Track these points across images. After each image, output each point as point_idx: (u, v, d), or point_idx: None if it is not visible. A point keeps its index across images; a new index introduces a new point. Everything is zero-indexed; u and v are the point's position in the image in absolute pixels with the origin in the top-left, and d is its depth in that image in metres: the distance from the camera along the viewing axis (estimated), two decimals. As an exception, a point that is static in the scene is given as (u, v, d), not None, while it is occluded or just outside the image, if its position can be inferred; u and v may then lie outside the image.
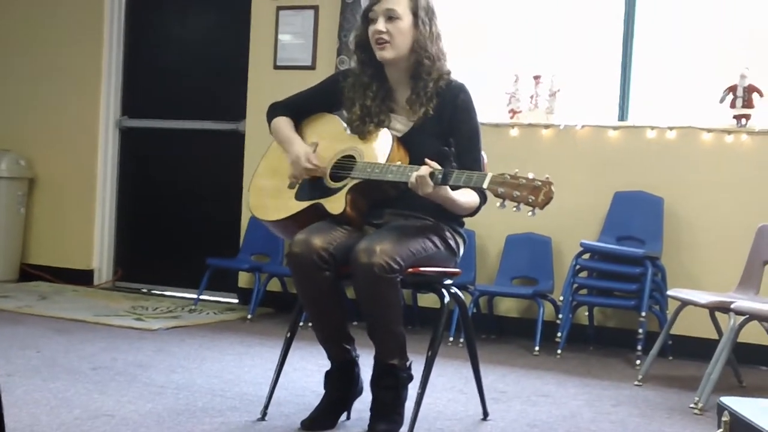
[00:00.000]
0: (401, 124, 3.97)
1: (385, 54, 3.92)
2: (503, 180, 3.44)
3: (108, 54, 8.24)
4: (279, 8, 7.41)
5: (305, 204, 3.92)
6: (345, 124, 4.04)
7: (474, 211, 3.86)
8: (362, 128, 3.95)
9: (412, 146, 3.88)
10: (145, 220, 8.32)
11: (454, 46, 6.54)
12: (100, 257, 8.31)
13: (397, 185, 3.73)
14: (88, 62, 8.22)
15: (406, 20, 3.91)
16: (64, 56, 8.29)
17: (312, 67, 7.22)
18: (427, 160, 3.60)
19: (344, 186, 3.84)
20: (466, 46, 6.90)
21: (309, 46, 7.29)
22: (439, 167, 3.57)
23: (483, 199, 3.81)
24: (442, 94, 3.92)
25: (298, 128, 4.16)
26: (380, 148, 3.85)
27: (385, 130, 3.91)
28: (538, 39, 6.89)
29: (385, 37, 3.90)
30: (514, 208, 3.43)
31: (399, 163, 3.79)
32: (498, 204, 3.46)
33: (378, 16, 3.92)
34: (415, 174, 3.58)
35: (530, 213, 3.41)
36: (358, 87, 4.01)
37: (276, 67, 7.43)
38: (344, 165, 3.91)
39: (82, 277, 8.17)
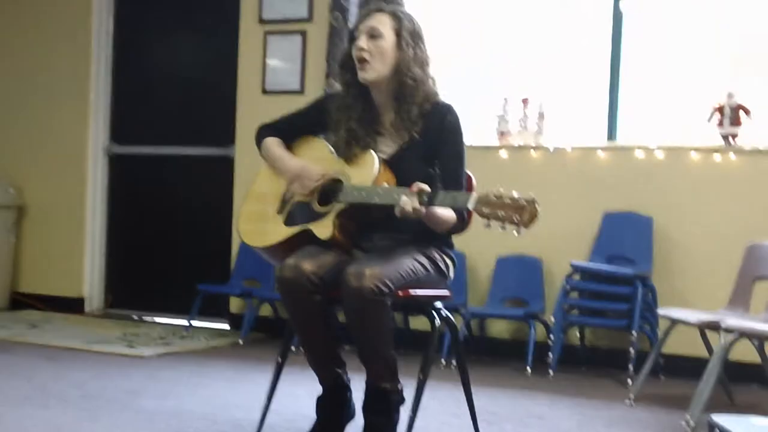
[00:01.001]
0: (387, 146, 3.96)
1: (367, 75, 3.91)
2: (488, 200, 3.44)
3: (96, 81, 8.25)
4: (267, 33, 7.43)
5: (294, 230, 3.92)
6: (331, 148, 4.04)
7: (456, 230, 3.86)
8: (348, 151, 3.95)
9: (399, 169, 3.87)
10: (135, 247, 8.31)
11: (443, 69, 6.60)
12: (91, 285, 8.29)
13: (384, 208, 3.73)
14: (76, 89, 8.22)
15: (388, 40, 3.90)
16: (51, 83, 8.29)
17: (301, 92, 7.24)
18: (413, 184, 3.59)
19: (332, 210, 3.85)
20: (455, 69, 6.93)
21: (297, 70, 7.31)
22: (426, 188, 3.57)
23: (460, 217, 3.81)
24: (428, 116, 3.92)
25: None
26: (367, 171, 3.85)
27: (372, 152, 3.91)
28: (526, 62, 6.91)
29: (365, 55, 3.88)
30: (500, 228, 3.43)
31: (386, 185, 3.79)
32: (484, 224, 3.45)
33: (361, 34, 3.93)
34: (402, 198, 3.57)
35: (515, 232, 3.41)
36: (344, 109, 4.00)
37: (264, 92, 7.45)
38: (332, 189, 3.92)
39: (73, 305, 8.16)
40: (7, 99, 8.52)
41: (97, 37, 8.26)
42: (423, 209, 3.56)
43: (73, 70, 8.24)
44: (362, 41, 3.90)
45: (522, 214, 3.39)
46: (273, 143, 4.16)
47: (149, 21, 8.32)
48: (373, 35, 3.90)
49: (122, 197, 8.36)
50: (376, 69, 3.90)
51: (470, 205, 3.47)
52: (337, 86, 4.17)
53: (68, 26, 8.27)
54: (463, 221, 3.86)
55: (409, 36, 3.93)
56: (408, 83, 3.90)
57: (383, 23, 3.92)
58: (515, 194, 3.42)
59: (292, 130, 4.18)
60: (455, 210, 3.73)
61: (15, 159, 8.43)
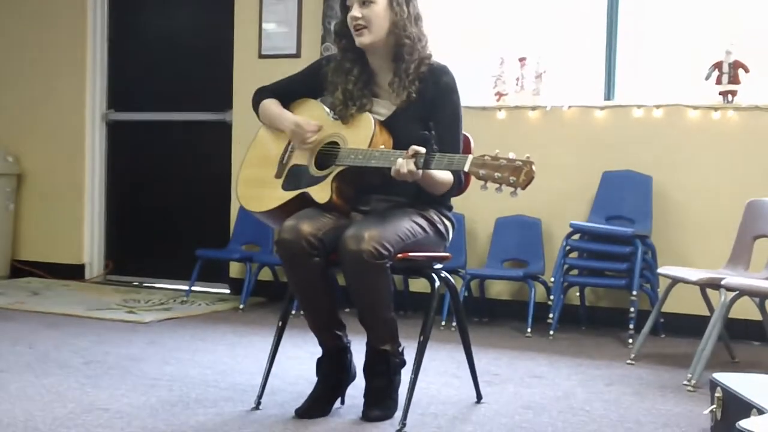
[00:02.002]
0: (384, 108, 3.96)
1: (363, 39, 3.91)
2: (484, 162, 3.44)
3: (92, 48, 8.22)
4: (263, -3, 7.41)
5: (292, 194, 3.92)
6: (328, 110, 4.03)
7: (453, 192, 3.87)
8: (345, 112, 3.95)
9: (396, 130, 3.87)
10: (134, 213, 8.31)
11: (438, 30, 6.58)
12: (91, 251, 8.30)
13: (381, 171, 3.72)
14: (72, 57, 8.20)
15: (380, 3, 3.89)
16: (48, 52, 8.27)
17: (297, 55, 7.21)
18: (412, 148, 3.59)
19: (329, 174, 3.84)
20: (450, 30, 6.89)
21: (293, 34, 7.28)
22: (421, 151, 3.57)
23: (458, 179, 3.81)
24: (424, 78, 3.91)
25: (283, 114, 4.17)
26: (363, 134, 3.85)
27: (368, 114, 3.91)
28: (523, 21, 6.87)
29: (362, 22, 3.89)
30: (496, 190, 3.43)
31: (383, 147, 3.78)
32: (480, 186, 3.45)
33: (353, 3, 3.92)
34: (398, 160, 3.57)
35: (512, 194, 3.40)
36: (340, 72, 4.00)
37: (261, 56, 7.42)
38: (329, 152, 3.91)
39: (73, 272, 8.17)
40: (3, 67, 8.49)
41: (93, 3, 8.22)
42: (419, 172, 3.57)
43: (69, 37, 8.21)
44: (355, 10, 3.89)
45: (518, 175, 3.38)
46: (270, 103, 4.17)
47: (144, -14, 8.29)
48: (365, 1, 3.89)
49: (121, 164, 8.35)
50: (373, 33, 3.90)
51: (466, 167, 3.47)
52: (334, 49, 4.16)
53: (63, -6, 8.24)
54: (460, 183, 3.87)
55: None
56: (405, 42, 3.90)
57: None
58: (511, 155, 3.42)
59: (288, 93, 4.19)
60: (452, 172, 3.72)
61: (13, 127, 8.41)
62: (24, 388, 4.35)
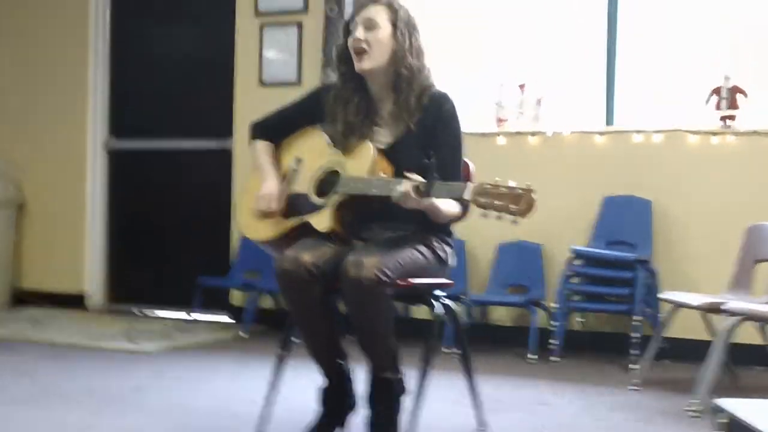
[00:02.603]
0: (384, 136, 3.96)
1: (363, 64, 3.91)
2: (484, 190, 3.43)
3: (93, 76, 8.24)
4: (263, 25, 7.42)
5: (293, 222, 3.93)
6: (328, 139, 4.03)
7: (455, 219, 3.87)
8: (345, 143, 3.95)
9: (396, 158, 3.87)
10: (135, 241, 8.30)
11: (439, 55, 6.59)
12: (92, 280, 8.29)
13: (382, 198, 3.72)
14: (74, 85, 8.22)
15: (385, 30, 3.91)
16: (49, 79, 8.29)
17: (298, 83, 7.23)
18: (407, 175, 3.59)
19: (330, 201, 3.84)
20: (450, 56, 6.91)
21: (294, 62, 7.30)
22: (421, 179, 3.57)
23: (463, 206, 3.81)
24: (425, 106, 3.92)
25: (281, 144, 4.17)
26: (363, 162, 3.85)
27: (368, 143, 3.90)
28: (522, 47, 6.90)
29: (363, 45, 3.89)
30: (497, 218, 3.42)
31: (383, 175, 3.79)
32: (480, 213, 3.44)
33: (357, 26, 3.93)
34: (398, 188, 3.58)
35: (513, 222, 3.40)
36: (340, 101, 4.00)
37: (261, 84, 7.44)
38: (329, 180, 3.91)
39: (75, 301, 8.16)
40: (5, 95, 8.51)
41: (94, 31, 8.25)
42: (419, 199, 3.56)
43: (71, 65, 8.23)
44: (359, 32, 3.90)
45: (519, 203, 3.37)
46: (260, 149, 4.17)
47: (146, 15, 8.31)
48: (370, 26, 3.90)
49: (122, 192, 8.35)
50: (374, 59, 3.90)
51: (466, 195, 3.46)
52: (334, 77, 4.17)
53: (65, 21, 8.26)
54: (464, 211, 3.86)
55: (404, 26, 3.94)
56: (404, 73, 3.91)
57: (379, 14, 3.92)
58: (512, 183, 3.41)
59: (285, 126, 4.18)
60: (456, 200, 3.72)
61: (14, 155, 8.42)
62: (25, 420, 4.34)
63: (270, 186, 4.03)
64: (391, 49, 3.91)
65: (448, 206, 3.73)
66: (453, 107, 3.94)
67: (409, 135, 3.90)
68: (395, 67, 3.91)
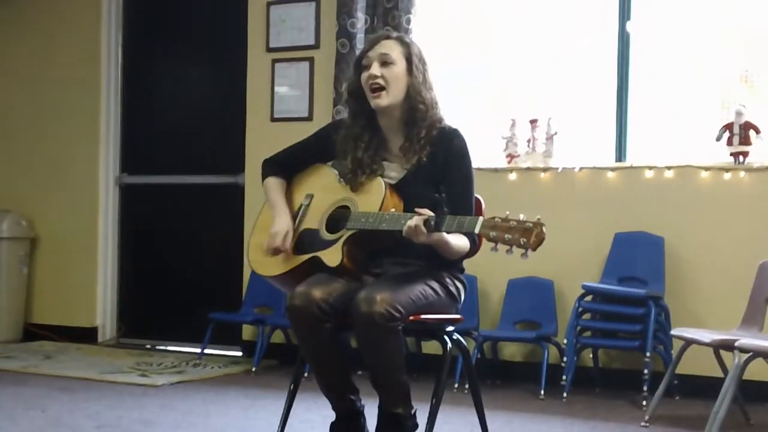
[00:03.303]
0: (394, 171, 3.98)
1: (381, 102, 3.92)
2: (494, 224, 3.44)
3: (106, 112, 8.28)
4: (274, 61, 7.46)
5: (303, 258, 3.93)
6: (338, 175, 4.04)
7: (468, 254, 3.86)
8: (354, 180, 3.96)
9: (406, 193, 3.89)
10: (147, 276, 8.32)
11: (450, 91, 6.63)
12: (104, 314, 8.30)
13: (392, 234, 3.73)
14: (86, 121, 8.26)
15: (400, 66, 3.93)
16: (62, 115, 8.33)
17: (309, 119, 7.25)
18: (417, 210, 3.60)
19: (340, 237, 3.85)
20: (462, 92, 6.94)
21: (305, 97, 7.33)
22: (431, 213, 3.57)
23: (473, 242, 3.81)
24: (435, 141, 3.93)
25: (293, 181, 4.18)
26: (374, 198, 3.86)
27: (379, 178, 3.92)
28: (534, 83, 6.92)
29: (381, 81, 3.90)
30: (507, 251, 3.42)
31: (393, 210, 3.79)
32: (491, 248, 3.45)
33: (372, 62, 3.94)
34: (408, 223, 3.58)
35: (523, 255, 3.40)
36: (350, 139, 4.01)
37: (273, 120, 7.47)
38: (339, 216, 3.92)
39: (86, 335, 8.16)
40: (18, 131, 8.56)
41: (106, 67, 8.30)
42: (428, 233, 3.56)
43: (83, 101, 8.27)
44: (375, 69, 3.91)
45: (529, 236, 3.38)
46: (272, 186, 4.19)
47: (158, 51, 8.36)
48: (386, 62, 3.92)
49: (134, 227, 8.38)
50: (392, 95, 3.92)
51: (477, 229, 3.47)
52: (345, 113, 4.18)
53: (78, 58, 8.31)
54: (475, 245, 3.86)
55: (418, 61, 3.96)
56: (420, 108, 3.93)
57: (393, 50, 3.94)
58: (521, 217, 3.42)
59: (296, 162, 4.21)
60: (466, 236, 3.72)
61: (27, 190, 8.46)
62: (36, 453, 4.34)
63: (282, 223, 4.03)
64: (407, 85, 3.93)
65: (458, 241, 3.73)
66: (464, 142, 3.95)
67: (419, 170, 3.91)
68: (410, 102, 3.93)
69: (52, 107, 8.39)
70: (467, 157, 3.95)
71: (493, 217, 3.46)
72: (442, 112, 4.01)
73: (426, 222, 3.56)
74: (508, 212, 3.48)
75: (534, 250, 3.40)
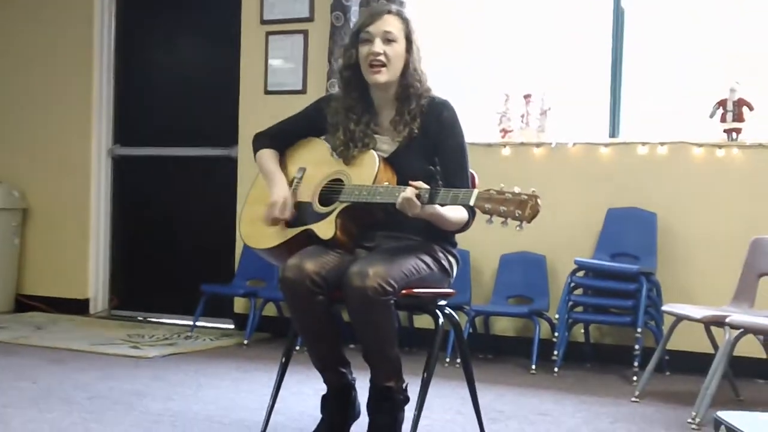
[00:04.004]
0: (386, 144, 3.96)
1: (380, 78, 3.90)
2: (489, 196, 3.43)
3: (99, 83, 8.26)
4: (268, 33, 7.44)
5: (296, 231, 3.92)
6: (331, 149, 4.03)
7: (464, 227, 3.86)
8: (347, 153, 3.94)
9: (399, 166, 3.88)
10: (139, 248, 8.32)
11: (443, 66, 6.61)
12: (96, 286, 8.30)
13: (386, 207, 3.72)
14: (79, 92, 8.24)
15: (401, 44, 3.92)
16: (54, 87, 8.31)
17: (303, 92, 7.24)
18: (411, 183, 3.59)
19: (333, 210, 3.84)
20: (455, 66, 6.93)
21: (299, 70, 7.31)
22: (425, 186, 3.57)
23: (472, 214, 3.80)
24: (425, 112, 3.92)
25: (285, 154, 4.17)
26: (367, 170, 3.85)
27: (372, 151, 3.91)
28: (528, 58, 6.91)
29: (382, 59, 3.89)
30: (502, 223, 3.42)
31: (387, 183, 3.78)
32: (486, 220, 3.45)
33: (374, 38, 3.91)
34: (401, 195, 3.57)
35: (518, 227, 3.40)
36: (342, 111, 4.00)
37: (267, 92, 7.46)
38: (333, 189, 3.91)
39: (78, 307, 8.17)
40: (10, 102, 8.54)
41: (99, 39, 8.27)
42: (422, 206, 3.55)
43: (76, 72, 8.25)
44: (378, 46, 3.89)
45: (523, 208, 3.38)
46: (266, 156, 4.16)
47: (151, 23, 8.33)
48: (388, 40, 3.90)
49: (126, 199, 8.37)
50: (391, 72, 3.91)
51: (472, 202, 3.46)
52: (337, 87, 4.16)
53: (71, 30, 8.28)
54: (473, 217, 3.84)
55: (414, 37, 3.95)
56: (416, 85, 3.92)
57: (395, 27, 3.92)
58: (516, 189, 3.41)
59: (287, 136, 4.18)
60: (465, 207, 3.72)
61: (19, 162, 8.45)
62: (27, 424, 4.34)
63: (280, 192, 4.01)
64: (405, 62, 3.92)
65: (453, 214, 3.73)
66: (454, 113, 3.94)
67: (410, 142, 3.90)
68: (407, 79, 3.92)
69: (45, 79, 8.37)
70: (458, 127, 3.93)
71: (488, 190, 3.45)
72: (431, 82, 4.00)
73: (419, 195, 3.55)
74: (503, 185, 3.47)
75: (529, 222, 3.40)
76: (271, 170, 4.11)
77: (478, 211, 3.54)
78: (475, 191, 3.48)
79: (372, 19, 3.95)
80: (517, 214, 3.39)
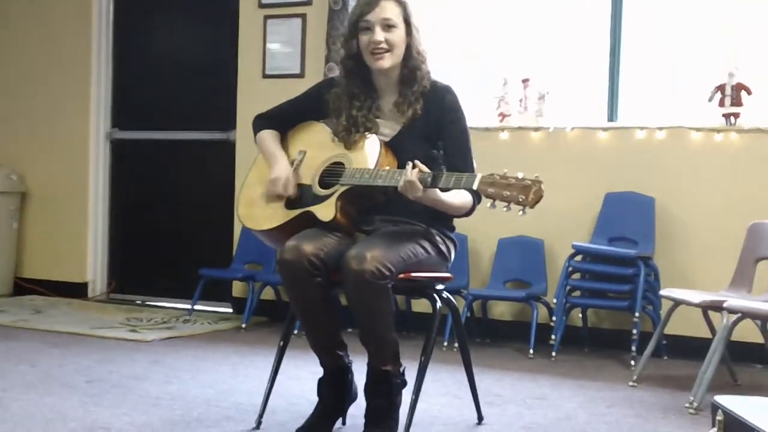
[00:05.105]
0: (388, 128, 3.97)
1: (384, 63, 3.90)
2: (493, 180, 3.44)
3: (97, 67, 8.25)
4: (266, 17, 7.43)
5: (295, 212, 3.92)
6: (332, 133, 4.03)
7: (469, 212, 3.86)
8: (348, 138, 3.95)
9: (400, 150, 3.88)
10: (137, 232, 8.32)
11: (442, 50, 6.60)
12: (94, 270, 8.30)
13: (386, 190, 3.73)
14: (77, 75, 8.22)
15: (401, 29, 3.92)
16: (53, 70, 8.30)
17: (301, 75, 7.23)
18: (416, 162, 3.59)
19: (334, 193, 3.84)
20: (453, 51, 6.92)
21: (297, 54, 7.30)
22: (427, 170, 3.57)
23: (477, 198, 3.81)
24: (427, 95, 3.93)
25: (285, 137, 4.17)
26: (369, 154, 3.85)
27: (374, 136, 3.91)
28: (526, 42, 6.90)
29: (385, 46, 3.89)
30: (504, 208, 3.43)
31: (388, 168, 3.79)
32: (488, 204, 3.45)
33: (374, 26, 3.90)
34: (404, 178, 3.58)
35: (521, 212, 3.41)
36: (344, 97, 4.00)
37: (265, 76, 7.45)
38: (333, 171, 3.91)
39: (76, 290, 8.17)
40: (8, 85, 8.53)
41: (97, 22, 8.26)
42: (423, 189, 3.56)
43: (74, 56, 8.24)
44: (379, 34, 3.88)
45: (527, 193, 3.39)
46: (267, 137, 4.17)
47: (149, 6, 8.32)
48: (388, 25, 3.90)
49: (124, 182, 8.37)
50: (394, 57, 3.91)
51: (475, 186, 3.47)
52: (337, 70, 4.16)
53: (69, 12, 8.26)
54: (479, 202, 3.84)
55: (413, 20, 3.95)
56: (420, 66, 3.93)
57: (394, 13, 3.92)
58: (520, 175, 3.42)
59: (287, 119, 4.19)
60: (469, 191, 3.72)
61: (17, 145, 8.44)
62: (26, 407, 4.35)
63: (281, 169, 4.01)
64: (406, 46, 3.92)
65: (454, 199, 3.73)
66: (456, 99, 3.96)
67: (412, 126, 3.91)
68: (410, 62, 3.93)
69: (43, 62, 8.35)
70: (461, 112, 3.95)
71: (492, 174, 3.46)
72: (431, 66, 4.01)
73: (421, 178, 3.55)
74: (506, 170, 3.48)
75: (532, 207, 3.41)
76: (273, 150, 4.11)
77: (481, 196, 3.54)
78: (479, 175, 3.48)
79: (369, 7, 3.94)
80: (520, 199, 3.40)
